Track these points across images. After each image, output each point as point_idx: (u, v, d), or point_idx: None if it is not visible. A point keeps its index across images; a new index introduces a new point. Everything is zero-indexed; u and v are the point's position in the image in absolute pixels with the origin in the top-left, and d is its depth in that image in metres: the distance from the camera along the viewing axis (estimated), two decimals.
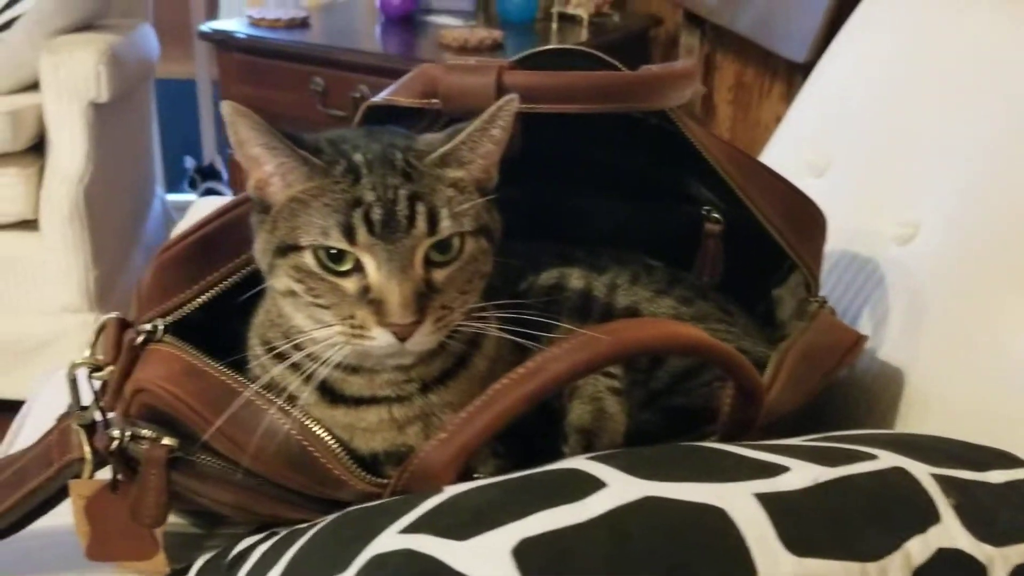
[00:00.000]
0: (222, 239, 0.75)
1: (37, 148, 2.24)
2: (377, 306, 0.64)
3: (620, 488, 0.53)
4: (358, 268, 0.65)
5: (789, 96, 1.87)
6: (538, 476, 0.56)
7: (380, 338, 0.64)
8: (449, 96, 0.72)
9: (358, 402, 0.70)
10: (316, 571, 0.58)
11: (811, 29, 1.58)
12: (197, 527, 0.93)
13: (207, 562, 0.84)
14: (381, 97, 0.75)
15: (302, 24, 2.46)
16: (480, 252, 0.68)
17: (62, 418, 0.82)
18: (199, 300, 0.75)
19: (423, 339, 0.65)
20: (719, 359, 0.65)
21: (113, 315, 0.78)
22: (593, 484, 0.53)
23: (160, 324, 0.74)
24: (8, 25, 2.22)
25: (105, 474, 0.80)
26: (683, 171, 0.90)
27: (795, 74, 1.74)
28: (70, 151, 2.20)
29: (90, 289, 2.26)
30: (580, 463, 0.57)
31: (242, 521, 0.86)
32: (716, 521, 0.51)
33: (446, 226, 0.65)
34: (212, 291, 0.75)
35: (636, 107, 0.75)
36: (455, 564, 0.48)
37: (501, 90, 0.70)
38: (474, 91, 0.71)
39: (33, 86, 2.25)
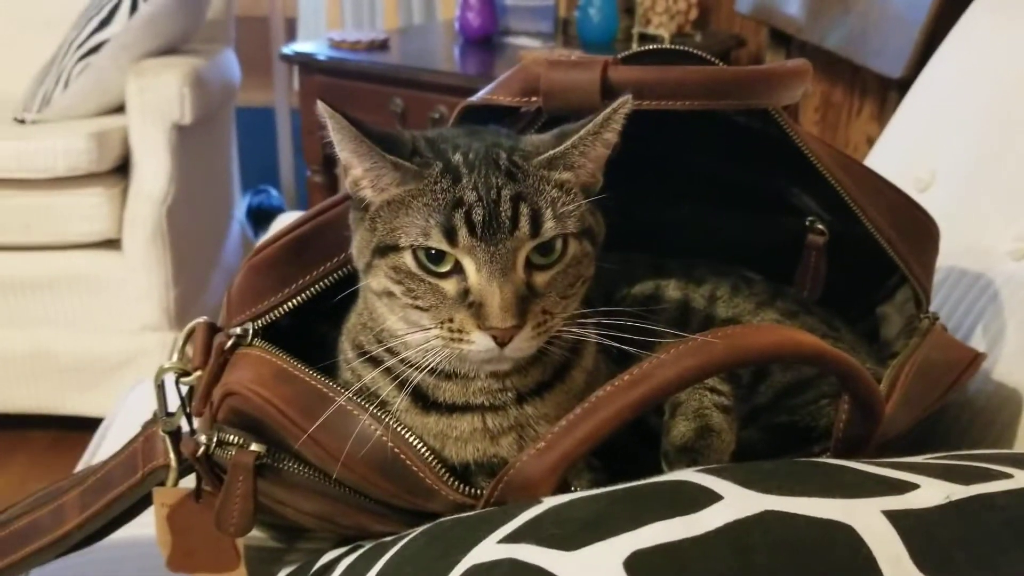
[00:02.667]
0: (314, 242, 0.73)
1: (122, 169, 2.28)
2: (477, 309, 0.62)
3: (737, 501, 0.49)
4: (458, 270, 0.63)
5: (880, 115, 1.82)
6: (645, 488, 0.53)
7: (479, 342, 0.62)
8: (551, 93, 0.69)
9: (451, 409, 0.68)
10: None
11: (907, 44, 1.53)
12: (276, 541, 0.91)
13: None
14: (479, 96, 0.73)
15: (382, 46, 2.48)
16: (583, 255, 0.65)
17: (147, 425, 0.80)
18: (290, 304, 0.73)
19: (522, 344, 0.63)
20: (839, 369, 0.61)
21: (202, 320, 0.77)
22: (707, 496, 0.50)
23: (250, 328, 0.72)
24: (96, 49, 2.27)
25: (189, 483, 0.78)
26: (785, 179, 0.86)
27: (888, 91, 1.69)
28: (154, 172, 2.23)
29: (170, 308, 2.28)
30: (689, 475, 0.54)
31: (323, 534, 0.84)
32: (844, 539, 0.47)
33: (550, 227, 0.63)
34: (303, 295, 0.73)
35: (748, 104, 0.72)
36: (563, 575, 0.44)
37: (606, 86, 0.68)
38: (578, 87, 0.68)
39: (119, 109, 2.30)
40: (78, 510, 0.82)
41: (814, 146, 0.76)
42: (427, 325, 0.63)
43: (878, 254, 0.78)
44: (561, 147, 0.64)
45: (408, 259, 0.63)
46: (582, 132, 0.64)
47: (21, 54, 2.54)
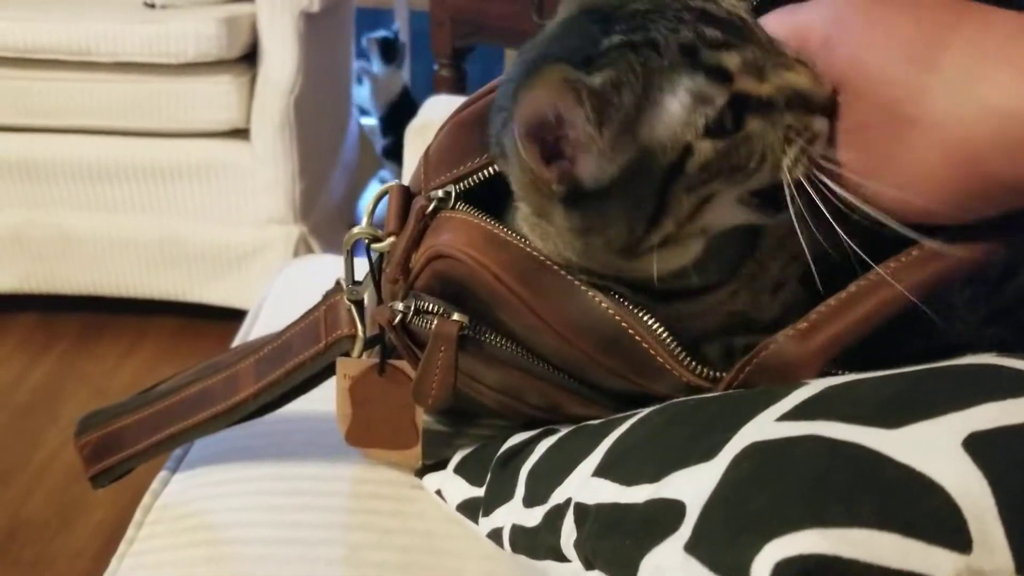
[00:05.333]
0: None
1: (249, 58, 2.25)
2: (799, 100, 0.53)
3: None
4: (741, 106, 0.53)
5: None
6: (953, 369, 0.46)
7: (821, 126, 0.54)
8: None
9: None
10: (658, 463, 0.50)
11: None
12: (443, 425, 0.88)
13: (466, 457, 0.78)
14: None
15: None
16: None
17: (330, 294, 0.76)
18: (491, 169, 0.67)
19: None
20: None
21: (395, 182, 0.72)
22: None
23: (452, 191, 0.66)
24: None
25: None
26: None
27: None
28: (281, 61, 2.20)
29: (296, 201, 2.26)
30: (994, 359, 0.47)
31: (501, 420, 0.79)
32: None
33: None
34: None
35: None
36: (892, 454, 0.38)
37: None
38: None
39: None
40: (253, 379, 0.79)
41: None
42: (769, 161, 0.54)
43: None
44: None
45: (707, 145, 0.53)
46: None
47: None
